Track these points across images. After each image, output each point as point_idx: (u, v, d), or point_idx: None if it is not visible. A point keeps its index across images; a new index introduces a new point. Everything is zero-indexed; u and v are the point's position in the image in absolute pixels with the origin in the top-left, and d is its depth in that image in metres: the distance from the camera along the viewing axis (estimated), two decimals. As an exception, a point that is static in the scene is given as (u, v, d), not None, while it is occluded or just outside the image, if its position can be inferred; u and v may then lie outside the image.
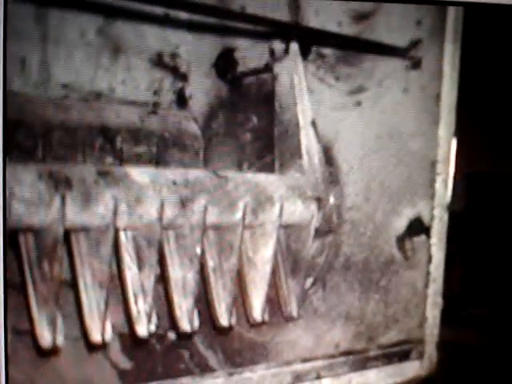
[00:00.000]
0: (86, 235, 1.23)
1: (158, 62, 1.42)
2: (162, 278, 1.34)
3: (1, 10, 1.08)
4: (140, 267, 1.29)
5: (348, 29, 1.58)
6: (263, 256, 1.42)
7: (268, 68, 1.48)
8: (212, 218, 1.32)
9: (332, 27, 1.56)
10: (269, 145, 1.51)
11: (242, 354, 1.46)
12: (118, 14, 1.34)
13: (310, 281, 1.54)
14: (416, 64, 1.69)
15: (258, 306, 1.43)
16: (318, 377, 1.58)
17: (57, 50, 1.31)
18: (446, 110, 1.74)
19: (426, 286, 1.75)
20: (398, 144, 1.68)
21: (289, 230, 1.47)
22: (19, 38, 1.25)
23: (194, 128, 1.45)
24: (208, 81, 1.48)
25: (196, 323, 1.37)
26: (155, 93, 1.43)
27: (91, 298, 1.24)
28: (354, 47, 1.59)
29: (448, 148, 1.75)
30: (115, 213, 1.22)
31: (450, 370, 1.84)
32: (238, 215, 1.36)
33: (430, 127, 1.73)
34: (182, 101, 1.46)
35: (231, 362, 1.46)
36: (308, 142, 1.47)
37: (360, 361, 1.66)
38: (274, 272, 1.46)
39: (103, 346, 1.27)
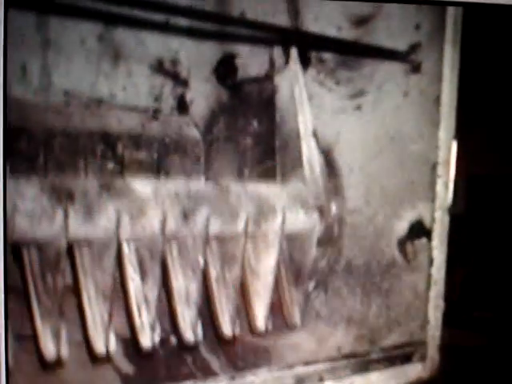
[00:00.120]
0: (89, 247, 1.24)
1: (159, 68, 1.42)
2: (165, 289, 1.34)
3: (1, 18, 1.09)
4: (143, 279, 1.29)
5: (347, 33, 1.59)
6: (266, 266, 1.43)
7: (268, 77, 1.48)
8: (214, 228, 1.33)
9: (332, 32, 1.57)
10: (270, 149, 1.51)
11: (244, 358, 1.47)
12: (118, 20, 1.35)
13: (312, 284, 1.55)
14: (416, 67, 1.69)
15: (261, 316, 1.44)
16: (321, 380, 1.58)
17: (57, 56, 1.31)
18: (446, 113, 1.74)
19: (428, 288, 1.75)
20: (399, 147, 1.69)
21: (291, 240, 1.47)
22: (20, 45, 1.25)
23: (194, 133, 1.46)
24: (208, 86, 1.48)
25: (200, 334, 1.37)
26: (156, 99, 1.43)
27: (95, 310, 1.25)
28: (353, 52, 1.60)
29: (448, 150, 1.76)
30: (118, 225, 1.23)
31: (452, 373, 1.84)
32: (241, 226, 1.36)
33: (431, 130, 1.74)
34: (182, 106, 1.46)
35: (234, 365, 1.46)
36: (309, 152, 1.48)
37: (362, 363, 1.66)
38: (277, 281, 1.46)
39: (107, 357, 1.28)
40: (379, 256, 1.67)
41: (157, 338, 1.33)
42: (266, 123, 1.51)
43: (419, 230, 1.73)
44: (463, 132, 1.77)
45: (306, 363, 1.57)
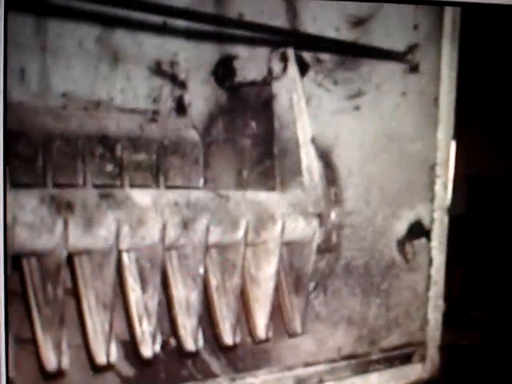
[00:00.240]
0: (89, 258, 1.24)
1: (157, 70, 1.42)
2: (166, 298, 1.34)
3: (1, 21, 1.09)
4: (144, 288, 1.29)
5: (346, 34, 1.59)
6: (266, 273, 1.42)
7: (266, 82, 1.48)
8: (214, 237, 1.33)
9: (330, 33, 1.57)
10: (268, 151, 1.51)
11: (244, 360, 1.46)
12: (116, 23, 1.35)
13: (311, 285, 1.55)
14: (414, 68, 1.69)
15: (261, 324, 1.44)
16: (321, 381, 1.58)
17: (56, 59, 1.31)
18: (444, 113, 1.74)
19: (427, 289, 1.75)
20: (397, 147, 1.69)
21: (291, 247, 1.47)
22: (18, 48, 1.25)
23: (193, 135, 1.46)
24: (207, 88, 1.48)
25: (201, 342, 1.37)
26: (154, 101, 1.43)
27: (95, 320, 1.25)
28: (351, 52, 1.60)
29: (447, 151, 1.76)
30: (118, 235, 1.22)
31: (452, 373, 1.85)
32: (240, 234, 1.36)
33: (429, 130, 1.74)
34: (181, 108, 1.46)
35: (234, 367, 1.46)
36: (308, 159, 1.48)
37: (362, 364, 1.66)
38: (277, 289, 1.46)
39: (108, 366, 1.28)
40: (378, 256, 1.67)
41: (158, 347, 1.33)
42: (264, 124, 1.51)
43: (418, 231, 1.73)
44: (462, 132, 1.78)
45: (306, 364, 1.57)
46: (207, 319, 1.40)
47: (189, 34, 1.44)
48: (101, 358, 1.26)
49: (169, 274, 1.34)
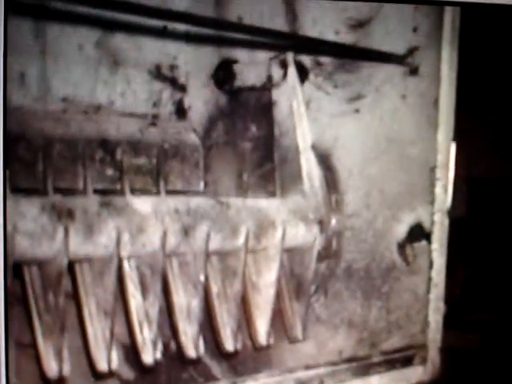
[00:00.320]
0: (90, 265, 1.24)
1: (157, 73, 1.42)
2: (167, 305, 1.34)
3: (1, 26, 1.09)
4: (144, 295, 1.29)
5: (345, 37, 1.59)
6: (267, 280, 1.43)
7: (265, 88, 1.49)
8: (215, 244, 1.33)
9: (329, 36, 1.57)
10: (268, 153, 1.51)
11: (245, 363, 1.46)
12: (116, 26, 1.35)
13: (312, 288, 1.55)
14: (414, 70, 1.70)
15: (262, 330, 1.44)
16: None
17: (56, 63, 1.31)
18: (444, 115, 1.74)
19: (428, 291, 1.75)
20: (397, 150, 1.69)
21: (292, 254, 1.47)
22: (18, 52, 1.25)
23: (193, 139, 1.46)
24: (207, 91, 1.48)
25: (202, 349, 1.37)
26: (154, 104, 1.43)
27: (96, 327, 1.25)
28: (351, 55, 1.60)
29: (447, 153, 1.76)
30: (118, 242, 1.23)
31: (453, 375, 1.84)
32: (241, 240, 1.36)
33: (429, 132, 1.74)
34: (181, 112, 1.46)
35: (234, 370, 1.46)
36: (308, 165, 1.49)
37: (363, 367, 1.66)
38: (278, 295, 1.46)
39: (109, 373, 1.28)
40: (379, 259, 1.67)
41: (159, 354, 1.33)
42: (264, 126, 1.51)
43: (419, 233, 1.73)
44: (462, 134, 1.78)
45: (307, 367, 1.57)
46: (208, 326, 1.40)
47: (188, 38, 1.44)
48: (102, 365, 1.26)
49: (169, 281, 1.34)
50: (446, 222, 1.76)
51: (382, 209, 1.67)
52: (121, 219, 1.23)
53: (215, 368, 1.44)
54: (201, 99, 1.48)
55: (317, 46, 1.56)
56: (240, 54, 1.49)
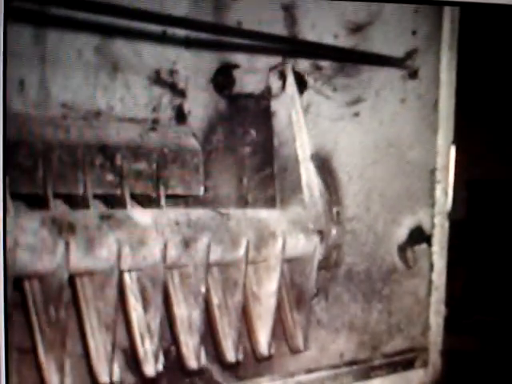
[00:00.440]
0: (91, 279, 1.24)
1: (156, 78, 1.42)
2: (168, 318, 1.34)
3: (0, 32, 1.09)
4: (145, 308, 1.29)
5: (344, 41, 1.59)
6: (268, 290, 1.43)
7: (264, 96, 1.49)
8: (215, 255, 1.33)
9: (328, 40, 1.57)
10: (268, 158, 1.51)
11: (246, 367, 1.46)
12: (115, 32, 1.35)
13: (313, 297, 1.55)
14: (413, 73, 1.70)
15: (264, 341, 1.44)
16: (323, 387, 1.59)
17: (55, 69, 1.31)
18: (444, 118, 1.75)
19: (429, 294, 1.75)
20: (397, 153, 1.69)
21: (292, 264, 1.48)
22: (17, 58, 1.25)
23: (193, 143, 1.46)
24: (206, 96, 1.48)
25: (203, 360, 1.37)
26: (154, 109, 1.43)
27: (98, 340, 1.25)
28: (350, 59, 1.60)
29: (447, 156, 1.76)
30: (119, 255, 1.23)
31: (455, 378, 1.84)
32: (241, 251, 1.36)
33: (429, 135, 1.74)
34: (180, 117, 1.46)
35: (236, 375, 1.46)
36: (308, 176, 1.49)
37: (364, 370, 1.66)
38: (279, 306, 1.46)
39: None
40: (379, 262, 1.67)
41: (160, 366, 1.33)
42: (264, 131, 1.51)
43: (419, 236, 1.73)
44: (462, 137, 1.78)
45: (308, 371, 1.57)
46: (210, 337, 1.40)
47: (188, 43, 1.44)
48: (103, 378, 1.26)
49: (170, 292, 1.34)
50: (447, 224, 1.76)
51: (382, 212, 1.67)
52: (121, 232, 1.23)
53: (216, 373, 1.44)
54: (200, 104, 1.48)
55: (316, 50, 1.56)
56: (239, 58, 1.49)
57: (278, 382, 1.53)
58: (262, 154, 1.51)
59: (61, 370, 1.20)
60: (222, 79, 1.48)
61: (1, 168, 1.06)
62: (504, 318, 1.97)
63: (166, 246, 1.27)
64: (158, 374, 1.32)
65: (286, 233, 1.42)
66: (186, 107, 1.46)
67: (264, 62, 1.50)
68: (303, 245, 1.45)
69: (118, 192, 1.34)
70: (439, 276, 1.76)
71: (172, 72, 1.44)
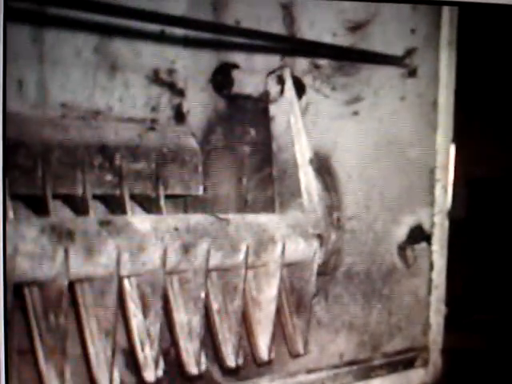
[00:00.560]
0: (91, 285, 1.24)
1: (155, 78, 1.42)
2: (168, 323, 1.34)
3: (0, 32, 1.09)
4: (145, 314, 1.29)
5: (343, 39, 1.59)
6: (267, 295, 1.42)
7: (262, 99, 1.49)
8: (215, 260, 1.33)
9: (327, 38, 1.57)
10: (267, 157, 1.51)
11: (246, 367, 1.46)
12: (113, 32, 1.34)
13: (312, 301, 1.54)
14: (412, 72, 1.69)
15: (263, 345, 1.43)
16: (323, 387, 1.59)
17: (54, 69, 1.31)
18: (443, 117, 1.74)
19: (429, 293, 1.75)
20: (397, 152, 1.69)
21: (292, 268, 1.47)
22: (16, 58, 1.25)
23: (192, 143, 1.46)
24: (205, 95, 1.48)
25: (203, 366, 1.37)
26: (153, 109, 1.43)
27: (98, 347, 1.24)
28: (349, 57, 1.60)
29: (447, 154, 1.75)
30: (118, 262, 1.22)
31: (455, 377, 1.84)
32: (241, 256, 1.36)
33: (428, 134, 1.74)
34: (179, 116, 1.46)
35: (236, 375, 1.46)
36: (307, 180, 1.48)
37: (364, 370, 1.66)
38: (279, 310, 1.46)
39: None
40: (379, 262, 1.67)
41: (160, 372, 1.32)
42: (263, 130, 1.51)
43: (419, 235, 1.73)
44: (461, 135, 1.77)
45: (309, 371, 1.57)
46: (210, 343, 1.39)
47: (186, 42, 1.43)
48: None
49: (170, 298, 1.34)
50: (446, 223, 1.76)
51: (381, 211, 1.66)
52: (121, 238, 1.23)
53: (216, 373, 1.44)
54: (199, 103, 1.48)
55: (314, 49, 1.55)
56: (238, 57, 1.49)
57: (278, 382, 1.52)
58: (261, 154, 1.50)
59: (61, 375, 1.20)
60: (221, 79, 1.48)
61: (0, 173, 1.05)
62: (505, 316, 1.97)
63: (165, 252, 1.27)
64: (158, 380, 1.32)
65: (286, 237, 1.42)
66: (185, 107, 1.46)
67: (263, 61, 1.49)
68: (303, 249, 1.45)
69: (118, 192, 1.34)
70: (439, 275, 1.76)
71: (171, 71, 1.44)
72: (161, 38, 1.41)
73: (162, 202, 1.38)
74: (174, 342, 1.34)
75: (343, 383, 1.61)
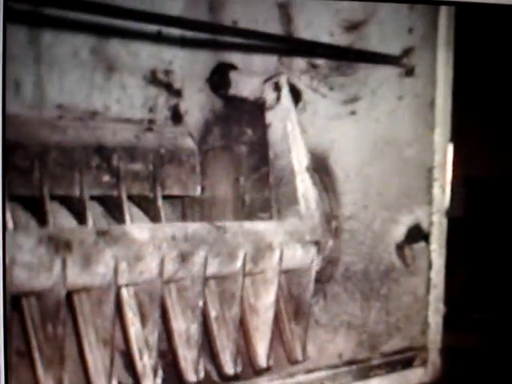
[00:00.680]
0: (88, 295, 1.23)
1: (152, 79, 1.42)
2: (166, 332, 1.34)
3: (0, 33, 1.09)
4: (143, 322, 1.29)
5: (340, 39, 1.59)
6: (265, 302, 1.42)
7: (258, 102, 1.49)
8: (212, 268, 1.33)
9: (324, 38, 1.57)
10: (264, 157, 1.51)
11: (244, 367, 1.46)
12: (110, 32, 1.34)
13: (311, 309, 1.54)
14: (410, 71, 1.69)
15: (262, 352, 1.43)
16: (322, 387, 1.59)
17: (50, 70, 1.31)
18: (441, 116, 1.74)
19: (427, 292, 1.75)
20: (394, 151, 1.69)
21: (289, 275, 1.47)
22: (13, 59, 1.25)
23: (189, 143, 1.46)
24: (203, 96, 1.48)
25: (202, 373, 1.37)
26: (150, 110, 1.43)
27: (96, 357, 1.24)
28: (346, 57, 1.60)
29: (444, 154, 1.75)
30: (116, 271, 1.22)
31: (454, 376, 1.84)
32: (238, 264, 1.36)
33: (426, 133, 1.74)
34: (177, 117, 1.46)
35: (234, 375, 1.46)
36: (304, 187, 1.48)
37: (363, 370, 1.65)
38: (277, 317, 1.46)
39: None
40: (378, 261, 1.67)
41: (159, 380, 1.32)
42: (260, 130, 1.51)
43: (417, 234, 1.73)
44: (459, 135, 1.77)
45: (307, 371, 1.56)
46: (208, 350, 1.39)
47: (183, 43, 1.43)
48: None
49: (168, 307, 1.33)
50: (445, 222, 1.76)
51: (379, 210, 1.66)
52: (118, 248, 1.23)
53: (214, 372, 1.43)
54: (197, 104, 1.48)
55: (312, 49, 1.55)
56: (235, 57, 1.49)
57: (277, 382, 1.52)
58: (258, 153, 1.50)
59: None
60: (218, 79, 1.48)
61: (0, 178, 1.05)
62: (503, 315, 1.97)
63: (162, 261, 1.27)
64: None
65: (283, 244, 1.42)
66: (183, 107, 1.46)
67: (260, 61, 1.49)
68: (300, 256, 1.45)
69: (115, 193, 1.34)
70: (438, 274, 1.76)
71: (168, 72, 1.44)
72: (158, 39, 1.41)
73: (160, 202, 1.38)
74: (173, 350, 1.34)
75: (342, 383, 1.61)
